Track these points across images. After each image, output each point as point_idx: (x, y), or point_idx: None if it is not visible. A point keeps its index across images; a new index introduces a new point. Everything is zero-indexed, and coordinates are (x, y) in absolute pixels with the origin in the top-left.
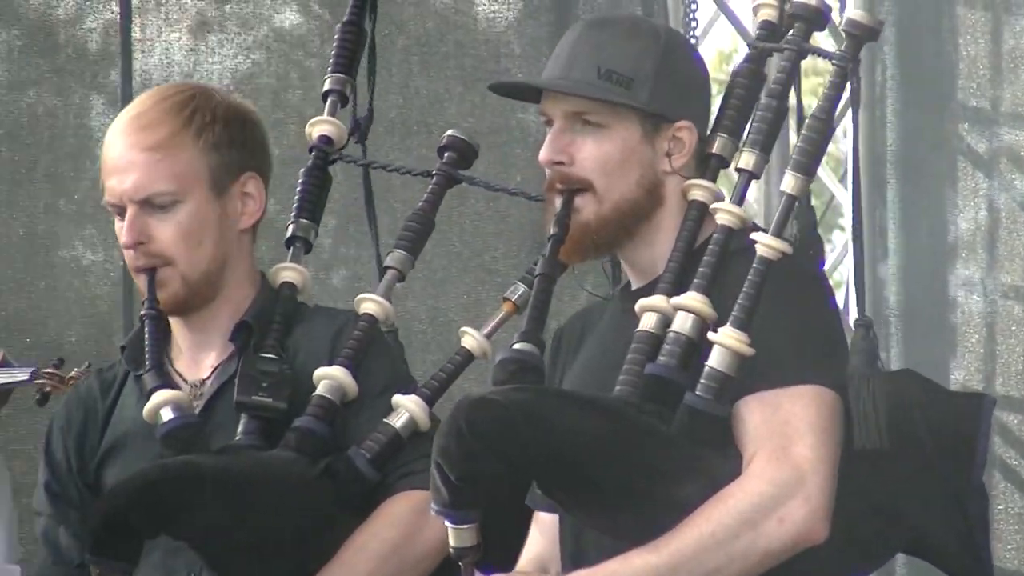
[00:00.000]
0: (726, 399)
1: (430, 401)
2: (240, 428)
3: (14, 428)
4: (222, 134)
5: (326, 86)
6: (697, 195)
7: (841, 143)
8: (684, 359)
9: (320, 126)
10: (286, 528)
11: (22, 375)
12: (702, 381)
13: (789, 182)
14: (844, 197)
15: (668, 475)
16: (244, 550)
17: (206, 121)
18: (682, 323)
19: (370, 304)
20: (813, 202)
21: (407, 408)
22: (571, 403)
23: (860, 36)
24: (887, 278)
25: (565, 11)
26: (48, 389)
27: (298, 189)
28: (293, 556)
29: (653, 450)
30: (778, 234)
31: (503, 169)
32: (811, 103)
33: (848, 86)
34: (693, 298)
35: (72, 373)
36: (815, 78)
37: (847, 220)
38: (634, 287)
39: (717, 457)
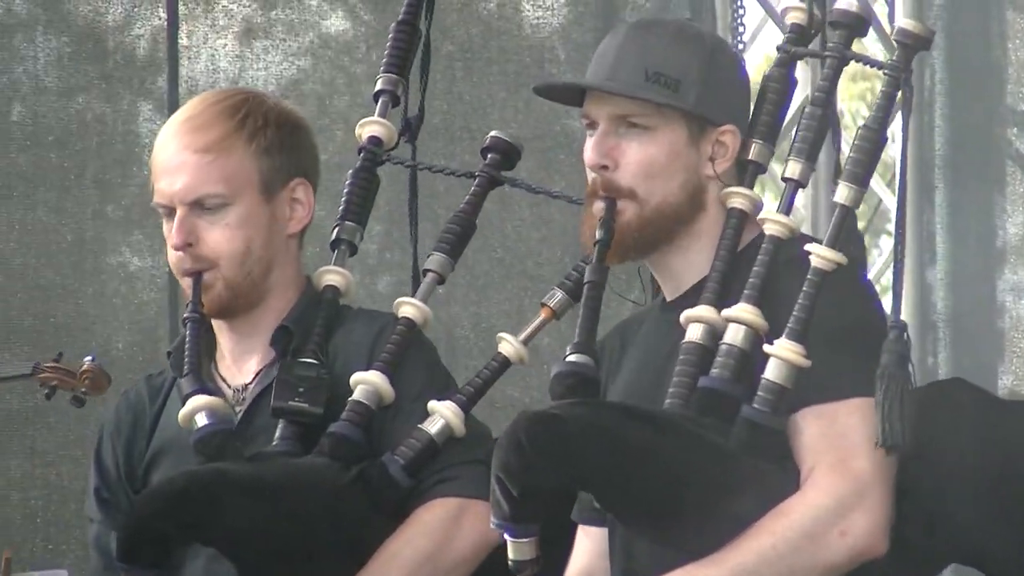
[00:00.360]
0: (783, 411)
1: (465, 407)
2: (277, 433)
3: (62, 433)
4: (274, 138)
5: (378, 86)
6: (737, 203)
7: (890, 148)
8: (737, 371)
9: (370, 127)
10: (318, 535)
11: (24, 368)
12: (759, 394)
13: (843, 193)
14: (892, 202)
15: (727, 489)
16: (276, 557)
17: (258, 125)
18: (734, 335)
19: (408, 308)
20: (860, 207)
21: (442, 414)
22: (630, 417)
23: (912, 45)
24: (935, 283)
25: (610, 17)
26: (55, 383)
27: (345, 191)
28: (326, 563)
29: (713, 464)
30: (832, 245)
31: (547, 175)
32: (858, 108)
33: (900, 95)
34: (745, 310)
35: (84, 366)
36: (863, 83)
37: (894, 225)
38: (669, 298)
39: (775, 470)
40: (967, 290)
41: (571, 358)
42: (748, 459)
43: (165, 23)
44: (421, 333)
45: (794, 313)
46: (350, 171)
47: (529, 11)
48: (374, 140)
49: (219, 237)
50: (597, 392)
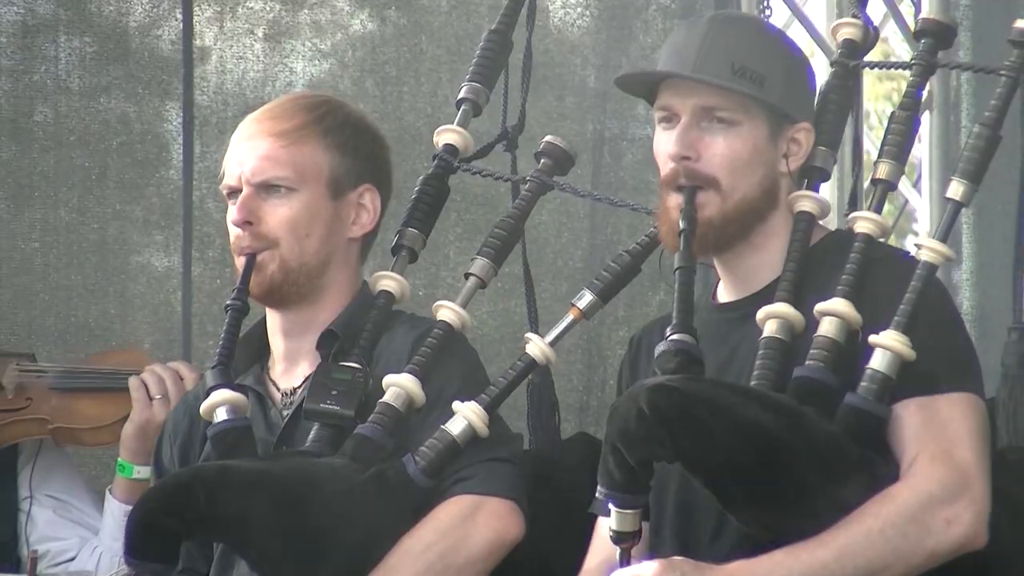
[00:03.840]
0: (886, 401)
1: (489, 408)
2: (310, 435)
3: None
4: (349, 139)
5: (460, 94)
6: (806, 206)
7: (915, 147)
8: (833, 362)
9: (446, 135)
10: (328, 532)
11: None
12: (863, 383)
13: (957, 189)
14: (918, 202)
15: (836, 474)
16: (287, 554)
17: (337, 122)
18: (829, 327)
19: (446, 311)
20: (886, 207)
21: (464, 415)
22: (748, 397)
23: None
24: (960, 283)
25: (632, 17)
26: None
27: (413, 197)
28: (338, 560)
29: (825, 448)
30: (943, 239)
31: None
32: (884, 107)
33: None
34: (840, 303)
35: None
36: (889, 83)
37: (921, 226)
38: (725, 299)
39: (879, 459)
40: (993, 290)
41: (675, 337)
42: (855, 446)
43: (190, 24)
44: (462, 337)
45: (902, 306)
46: (420, 177)
47: (551, 14)
48: (449, 148)
49: (280, 219)
50: (702, 371)
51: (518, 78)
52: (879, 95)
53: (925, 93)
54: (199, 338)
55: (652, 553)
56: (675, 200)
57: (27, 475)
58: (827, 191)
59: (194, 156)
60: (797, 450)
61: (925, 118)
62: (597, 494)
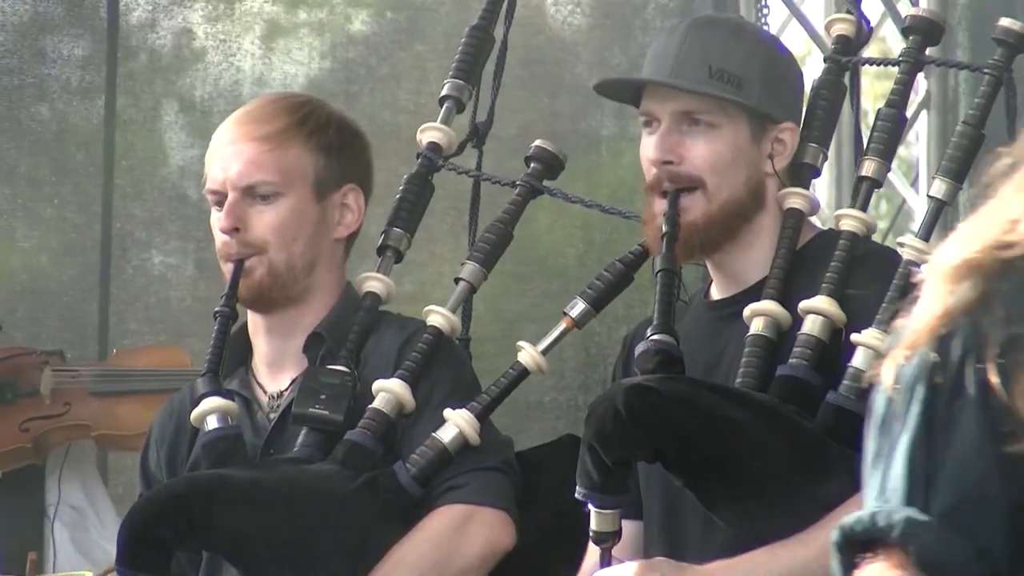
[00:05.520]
0: (867, 399)
1: (481, 415)
2: (299, 440)
3: None
4: (333, 140)
5: (443, 91)
6: (795, 203)
7: (912, 148)
8: (816, 361)
9: (430, 132)
10: (320, 541)
11: None
12: (845, 382)
13: (939, 187)
14: (915, 202)
15: (816, 473)
16: (279, 563)
17: (320, 124)
18: (812, 325)
19: (437, 317)
20: (884, 207)
21: (456, 423)
22: (727, 396)
23: (1015, 44)
24: None
25: (632, 17)
26: None
27: (397, 196)
28: (329, 569)
29: (805, 447)
30: (926, 238)
31: (565, 176)
32: (881, 107)
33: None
34: (824, 301)
35: None
36: (887, 82)
37: (917, 225)
38: (717, 297)
39: (858, 457)
40: None
41: (655, 337)
42: (835, 444)
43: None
44: (451, 342)
45: (884, 304)
46: (405, 176)
47: (549, 12)
48: (432, 146)
49: (267, 224)
50: (683, 370)
51: (506, 76)
52: (877, 94)
53: (923, 93)
54: (200, 340)
55: (647, 552)
56: (660, 205)
57: (55, 480)
58: (826, 190)
59: (190, 156)
60: (777, 450)
61: (923, 117)
62: (576, 494)
